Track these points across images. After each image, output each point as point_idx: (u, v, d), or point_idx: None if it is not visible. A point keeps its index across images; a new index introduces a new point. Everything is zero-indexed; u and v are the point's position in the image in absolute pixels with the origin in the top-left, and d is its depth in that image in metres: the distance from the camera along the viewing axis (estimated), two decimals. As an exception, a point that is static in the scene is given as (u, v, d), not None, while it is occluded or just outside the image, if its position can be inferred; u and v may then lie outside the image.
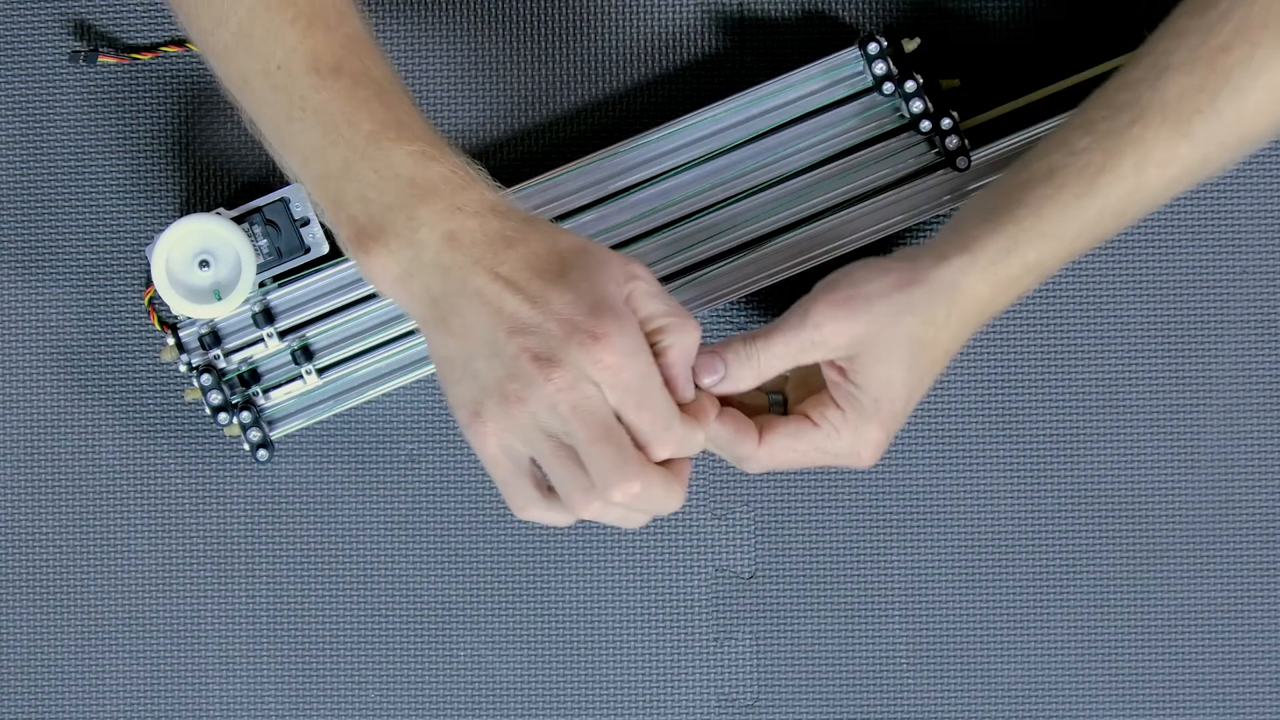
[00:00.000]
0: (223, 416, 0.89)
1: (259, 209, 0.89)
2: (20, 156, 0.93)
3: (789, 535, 0.92)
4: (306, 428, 0.91)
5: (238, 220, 0.89)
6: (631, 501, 0.75)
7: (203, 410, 0.92)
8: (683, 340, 0.76)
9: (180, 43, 0.92)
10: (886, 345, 0.79)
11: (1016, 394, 0.92)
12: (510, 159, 0.93)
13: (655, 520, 0.92)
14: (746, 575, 0.93)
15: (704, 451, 0.81)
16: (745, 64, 0.92)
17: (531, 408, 0.73)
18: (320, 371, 0.91)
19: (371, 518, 0.93)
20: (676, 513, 0.91)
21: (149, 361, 0.93)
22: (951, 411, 0.93)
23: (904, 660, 0.92)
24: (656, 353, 0.76)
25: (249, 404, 0.90)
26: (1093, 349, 0.92)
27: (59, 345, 0.93)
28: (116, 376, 0.93)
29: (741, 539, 0.92)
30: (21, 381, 0.93)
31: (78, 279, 0.93)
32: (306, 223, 0.89)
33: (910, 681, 0.92)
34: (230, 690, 0.93)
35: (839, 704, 0.92)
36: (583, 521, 0.91)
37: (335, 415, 0.91)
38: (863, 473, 0.92)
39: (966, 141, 0.89)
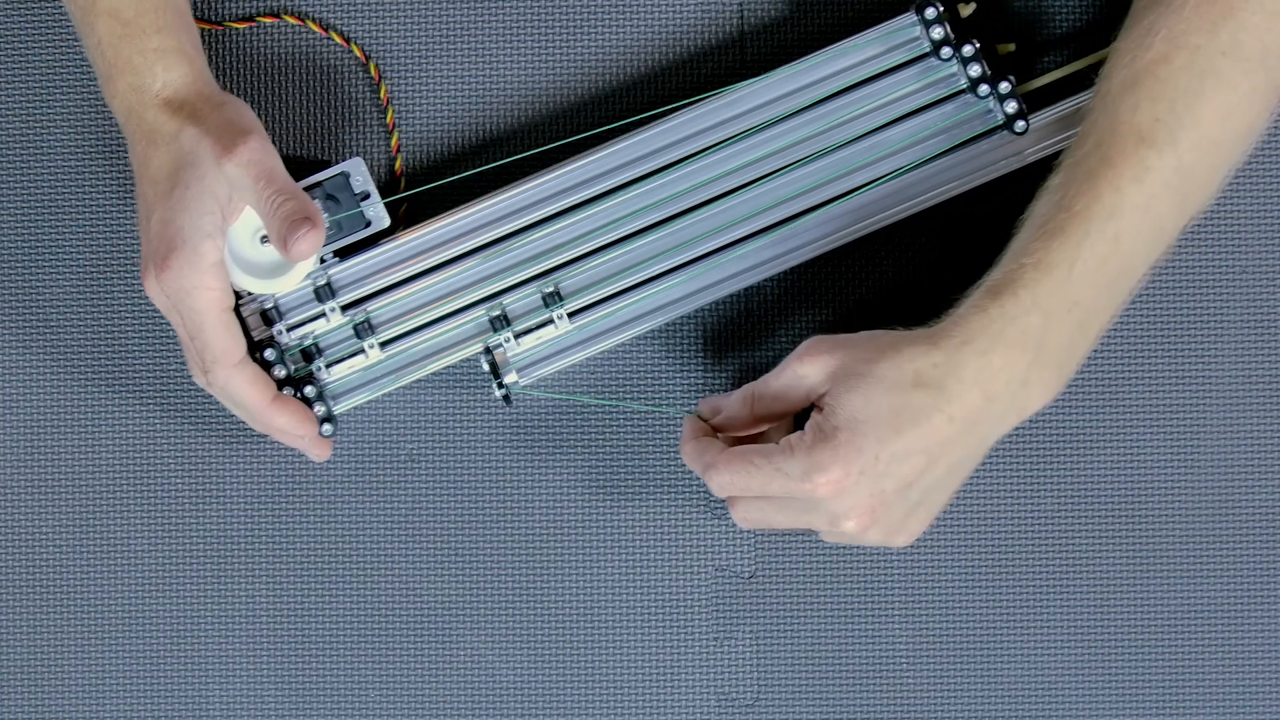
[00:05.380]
0: (285, 391, 0.90)
1: (319, 183, 0.89)
2: (30, 146, 0.93)
3: (789, 535, 0.92)
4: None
5: None
6: (220, 394, 0.87)
7: (204, 408, 0.92)
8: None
9: (250, 17, 0.92)
10: (859, 378, 0.79)
11: (1017, 394, 0.92)
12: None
13: (655, 520, 0.92)
14: (746, 575, 0.93)
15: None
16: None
17: (151, 293, 0.84)
18: (383, 345, 0.91)
19: (371, 518, 0.93)
20: (676, 513, 0.92)
21: (151, 357, 0.93)
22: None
23: (904, 660, 0.92)
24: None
25: (311, 379, 0.90)
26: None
27: (64, 341, 0.93)
28: (121, 373, 0.93)
29: (741, 539, 0.92)
30: (26, 377, 0.93)
31: (85, 274, 0.93)
32: (367, 197, 0.89)
33: (910, 681, 0.92)
34: (230, 690, 0.93)
35: (839, 704, 0.92)
36: (582, 520, 0.92)
37: (336, 414, 0.91)
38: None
39: (1024, 105, 0.89)
